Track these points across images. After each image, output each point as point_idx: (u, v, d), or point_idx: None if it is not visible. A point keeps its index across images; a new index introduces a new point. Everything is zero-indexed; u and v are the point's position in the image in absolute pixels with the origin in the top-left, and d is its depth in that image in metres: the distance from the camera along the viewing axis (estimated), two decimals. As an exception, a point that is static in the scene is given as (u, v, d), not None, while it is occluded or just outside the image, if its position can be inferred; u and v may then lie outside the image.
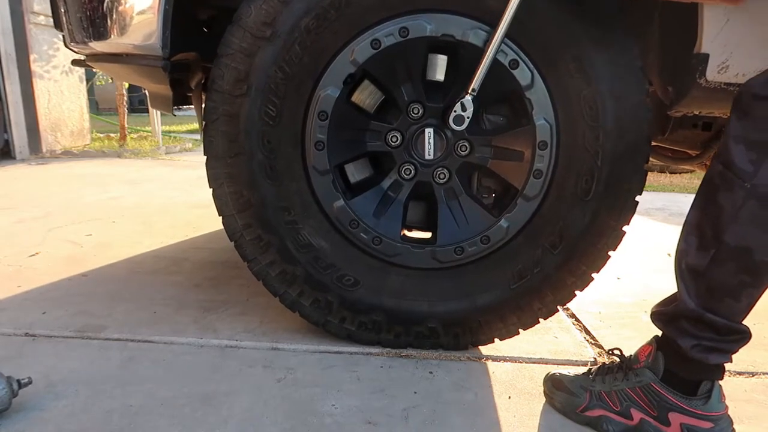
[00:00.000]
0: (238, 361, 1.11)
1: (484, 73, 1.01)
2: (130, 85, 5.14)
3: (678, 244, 0.87)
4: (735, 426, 0.85)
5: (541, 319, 1.16)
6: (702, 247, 0.81)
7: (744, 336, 0.83)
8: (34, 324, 1.26)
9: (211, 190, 1.12)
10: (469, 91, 1.02)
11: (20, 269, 1.66)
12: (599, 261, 1.11)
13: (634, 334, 1.32)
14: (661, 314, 0.89)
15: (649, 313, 0.92)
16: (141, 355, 1.12)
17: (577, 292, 1.14)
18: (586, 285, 1.13)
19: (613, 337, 1.29)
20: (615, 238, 1.10)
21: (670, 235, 2.27)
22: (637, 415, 0.88)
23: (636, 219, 1.11)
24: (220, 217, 1.13)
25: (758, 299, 0.81)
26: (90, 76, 6.19)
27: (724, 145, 0.80)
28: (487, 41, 1.01)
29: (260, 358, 1.13)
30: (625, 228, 1.10)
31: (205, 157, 1.10)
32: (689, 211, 0.85)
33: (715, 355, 0.83)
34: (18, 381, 0.90)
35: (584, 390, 0.93)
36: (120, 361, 1.09)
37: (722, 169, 0.79)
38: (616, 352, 0.97)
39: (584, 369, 0.99)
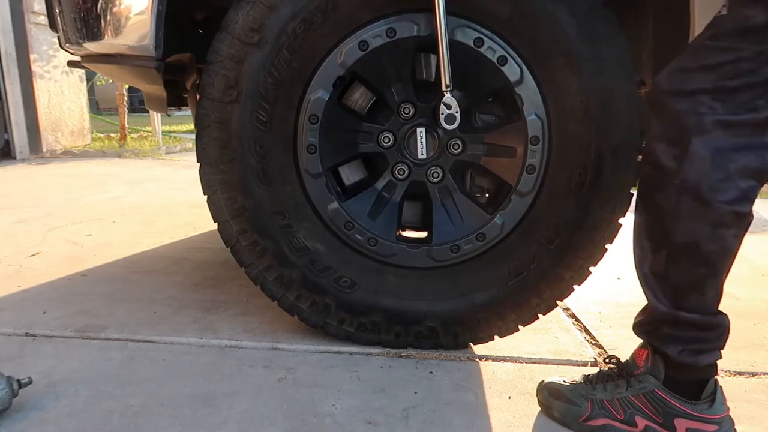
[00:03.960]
0: (238, 361, 1.11)
1: (449, 66, 1.01)
2: (130, 85, 5.14)
3: (633, 251, 0.88)
4: (735, 426, 0.85)
5: (540, 315, 1.16)
6: (657, 249, 0.83)
7: (724, 328, 0.83)
8: (34, 324, 1.27)
9: (206, 196, 1.12)
10: (444, 88, 1.02)
11: (20, 269, 1.67)
12: (596, 254, 1.11)
13: (634, 335, 1.31)
14: (641, 325, 0.89)
15: (631, 325, 0.92)
16: (141, 355, 1.13)
17: (575, 287, 1.13)
18: (584, 279, 1.13)
19: (613, 337, 1.29)
20: (611, 231, 1.10)
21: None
22: (641, 423, 0.86)
23: (636, 219, 1.10)
24: (216, 224, 1.13)
25: (723, 286, 0.83)
26: (90, 76, 6.19)
27: (648, 147, 0.82)
28: (435, 33, 1.01)
29: (260, 358, 1.13)
30: (621, 221, 1.10)
31: (199, 163, 1.11)
32: (635, 215, 0.86)
33: (705, 355, 0.83)
34: (18, 381, 0.91)
35: (585, 398, 0.91)
36: (120, 361, 1.10)
37: (651, 170, 0.82)
38: (614, 360, 0.95)
39: (584, 369, 0.98)
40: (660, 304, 0.83)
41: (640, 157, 1.05)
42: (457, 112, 1.04)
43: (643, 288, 0.87)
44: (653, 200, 0.82)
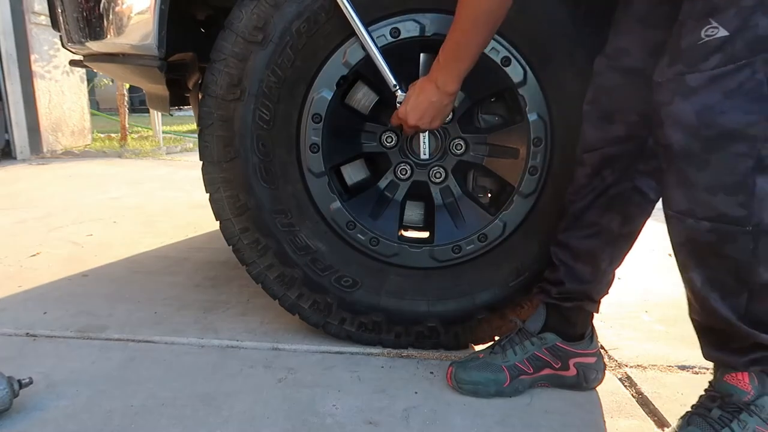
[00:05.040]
0: (238, 362, 1.11)
1: (387, 68, 1.03)
2: (131, 85, 5.14)
3: (692, 309, 0.84)
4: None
5: (540, 316, 1.16)
6: (729, 295, 0.78)
7: None
8: (35, 324, 1.26)
9: (208, 194, 1.12)
10: (392, 88, 1.04)
11: (21, 269, 1.67)
12: (597, 257, 1.11)
13: (635, 335, 1.31)
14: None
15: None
16: (142, 356, 1.13)
17: (575, 289, 1.14)
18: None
19: (613, 338, 1.29)
20: (612, 234, 1.10)
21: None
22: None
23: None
24: (218, 222, 1.13)
25: None
26: (91, 77, 6.19)
27: (702, 202, 0.75)
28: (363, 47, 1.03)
29: (261, 358, 1.13)
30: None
31: (201, 162, 1.11)
32: (687, 275, 0.81)
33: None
34: (19, 381, 0.90)
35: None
36: (121, 362, 1.10)
37: (711, 225, 0.75)
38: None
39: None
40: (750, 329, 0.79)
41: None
42: None
43: (710, 328, 0.84)
44: (723, 254, 0.76)
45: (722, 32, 0.70)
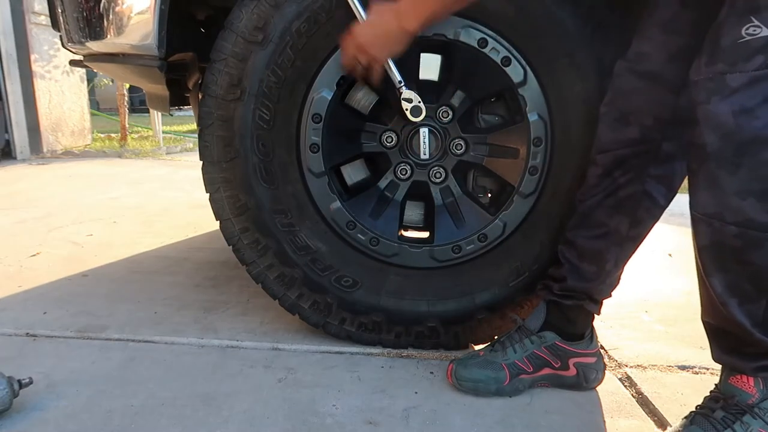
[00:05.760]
0: (238, 362, 1.11)
1: (392, 65, 1.02)
2: (131, 85, 5.15)
3: (706, 312, 0.83)
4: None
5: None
6: (747, 302, 0.77)
7: None
8: (35, 324, 1.26)
9: (208, 194, 1.12)
10: (397, 85, 1.03)
11: (21, 269, 1.67)
12: (597, 257, 1.11)
13: (635, 335, 1.31)
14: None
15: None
16: (142, 355, 1.13)
17: (575, 289, 1.14)
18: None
19: (613, 338, 1.29)
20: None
21: (671, 235, 2.26)
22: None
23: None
24: (218, 222, 1.13)
25: None
26: (91, 77, 6.19)
27: (731, 206, 0.73)
28: None
29: (261, 358, 1.13)
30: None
31: (201, 162, 1.11)
32: (708, 279, 0.79)
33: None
34: (19, 381, 0.91)
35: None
36: (121, 361, 1.10)
37: (739, 231, 0.73)
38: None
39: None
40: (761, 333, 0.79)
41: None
42: (420, 102, 1.05)
43: (724, 332, 0.83)
44: (747, 260, 0.75)
45: (765, 32, 0.67)
